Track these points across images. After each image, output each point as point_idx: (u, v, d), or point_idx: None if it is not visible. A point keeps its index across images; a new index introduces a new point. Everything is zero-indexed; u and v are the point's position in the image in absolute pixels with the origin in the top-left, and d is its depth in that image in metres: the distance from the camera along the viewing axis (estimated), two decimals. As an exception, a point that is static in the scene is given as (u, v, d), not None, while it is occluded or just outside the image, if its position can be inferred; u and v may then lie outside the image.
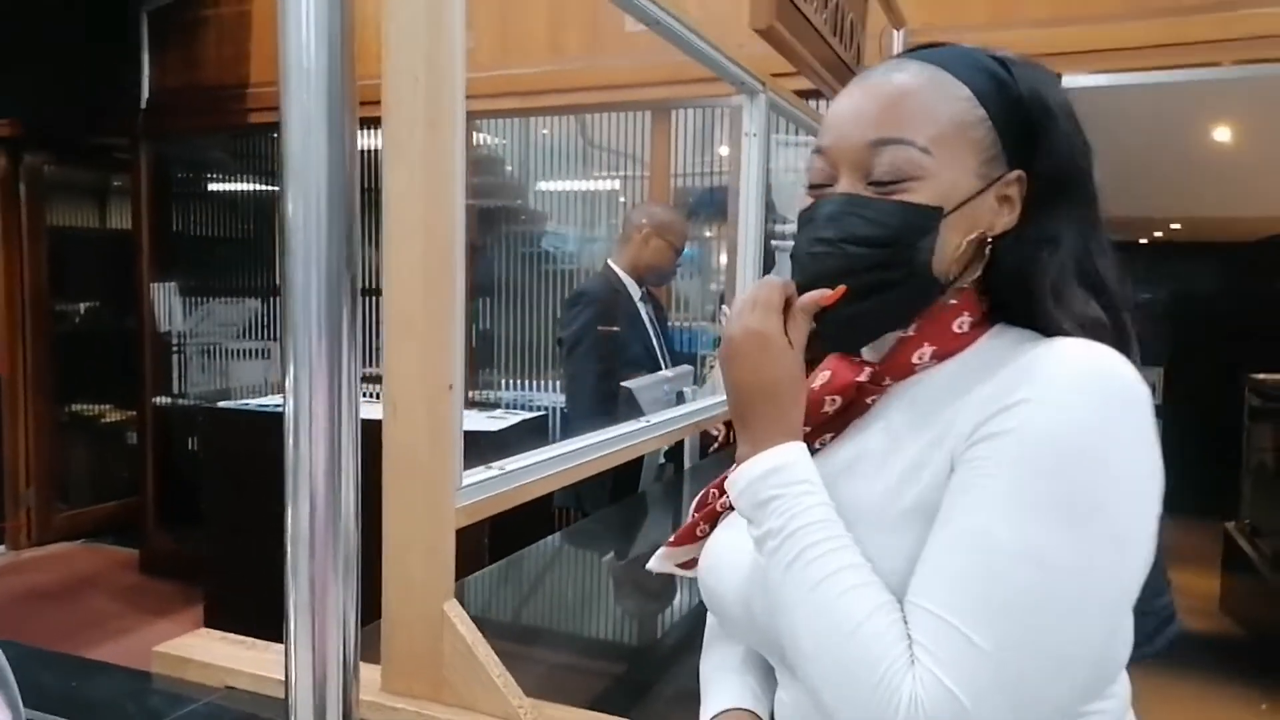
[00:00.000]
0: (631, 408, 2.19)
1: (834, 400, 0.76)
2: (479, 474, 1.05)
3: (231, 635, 1.11)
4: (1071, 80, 3.18)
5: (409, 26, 0.92)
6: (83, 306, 5.30)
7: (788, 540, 0.68)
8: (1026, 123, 0.74)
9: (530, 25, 3.69)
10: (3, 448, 4.77)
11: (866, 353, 0.78)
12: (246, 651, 1.09)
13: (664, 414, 1.59)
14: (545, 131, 4.50)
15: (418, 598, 0.97)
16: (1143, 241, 8.15)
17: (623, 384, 2.23)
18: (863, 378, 0.76)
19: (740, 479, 0.72)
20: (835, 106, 0.77)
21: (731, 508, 0.78)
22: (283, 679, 1.01)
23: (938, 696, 0.60)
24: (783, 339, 0.74)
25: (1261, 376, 5.25)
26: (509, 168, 4.67)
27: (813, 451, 0.76)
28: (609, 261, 2.92)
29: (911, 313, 0.74)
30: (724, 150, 3.83)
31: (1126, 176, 4.80)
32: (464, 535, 1.16)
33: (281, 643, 1.09)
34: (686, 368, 2.61)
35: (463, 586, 1.59)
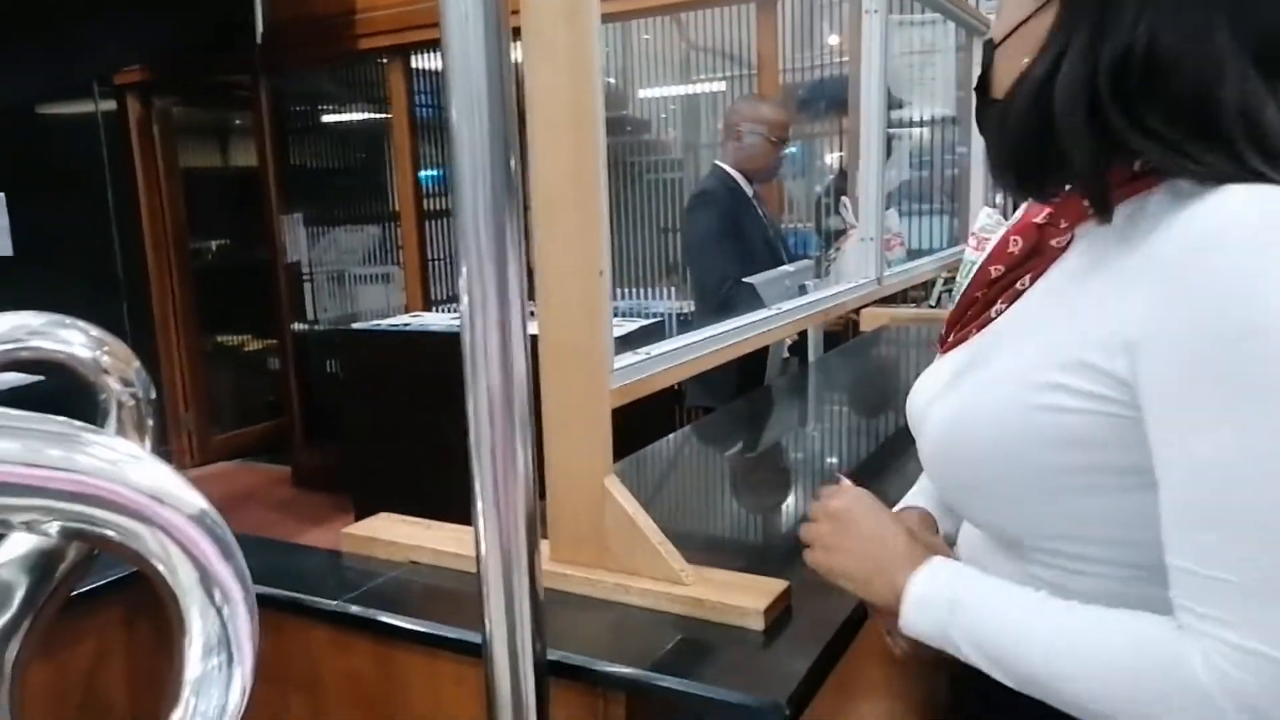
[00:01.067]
0: (757, 304, 2.21)
1: (1016, 240, 0.76)
2: (628, 358, 1.10)
3: (410, 518, 1.21)
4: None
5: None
6: (215, 244, 5.61)
7: (987, 646, 0.67)
8: None
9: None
10: (161, 378, 5.16)
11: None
12: (425, 531, 1.19)
13: (788, 304, 1.61)
14: (647, 37, 4.44)
15: (580, 474, 1.03)
16: None
17: (744, 280, 2.24)
18: (1039, 219, 0.74)
19: (909, 626, 0.72)
20: None
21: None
22: (460, 553, 1.11)
23: (1237, 659, 0.54)
24: (849, 510, 0.79)
25: None
26: (610, 80, 4.64)
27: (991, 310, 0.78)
28: (716, 161, 2.90)
29: (1035, 155, 0.67)
30: (833, 39, 3.71)
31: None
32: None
33: (451, 524, 1.19)
34: (806, 262, 2.60)
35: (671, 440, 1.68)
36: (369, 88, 4.73)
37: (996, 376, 0.70)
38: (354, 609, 1.04)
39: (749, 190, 2.82)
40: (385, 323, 4.02)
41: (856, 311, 2.63)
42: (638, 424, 1.19)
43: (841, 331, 3.18)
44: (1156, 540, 0.60)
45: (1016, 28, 0.67)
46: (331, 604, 1.05)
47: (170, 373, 5.18)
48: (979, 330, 0.79)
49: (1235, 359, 0.55)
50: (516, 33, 0.83)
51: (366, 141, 4.96)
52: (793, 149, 3.74)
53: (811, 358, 2.43)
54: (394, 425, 3.56)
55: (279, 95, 4.77)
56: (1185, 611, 0.58)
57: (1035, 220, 0.75)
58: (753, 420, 1.94)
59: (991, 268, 0.79)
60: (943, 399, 0.76)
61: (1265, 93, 0.60)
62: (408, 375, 3.48)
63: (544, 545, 1.08)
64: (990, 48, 0.70)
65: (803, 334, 2.42)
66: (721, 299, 2.46)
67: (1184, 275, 0.57)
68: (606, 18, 3.53)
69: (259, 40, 4.46)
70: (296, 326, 4.96)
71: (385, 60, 4.38)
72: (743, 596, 0.96)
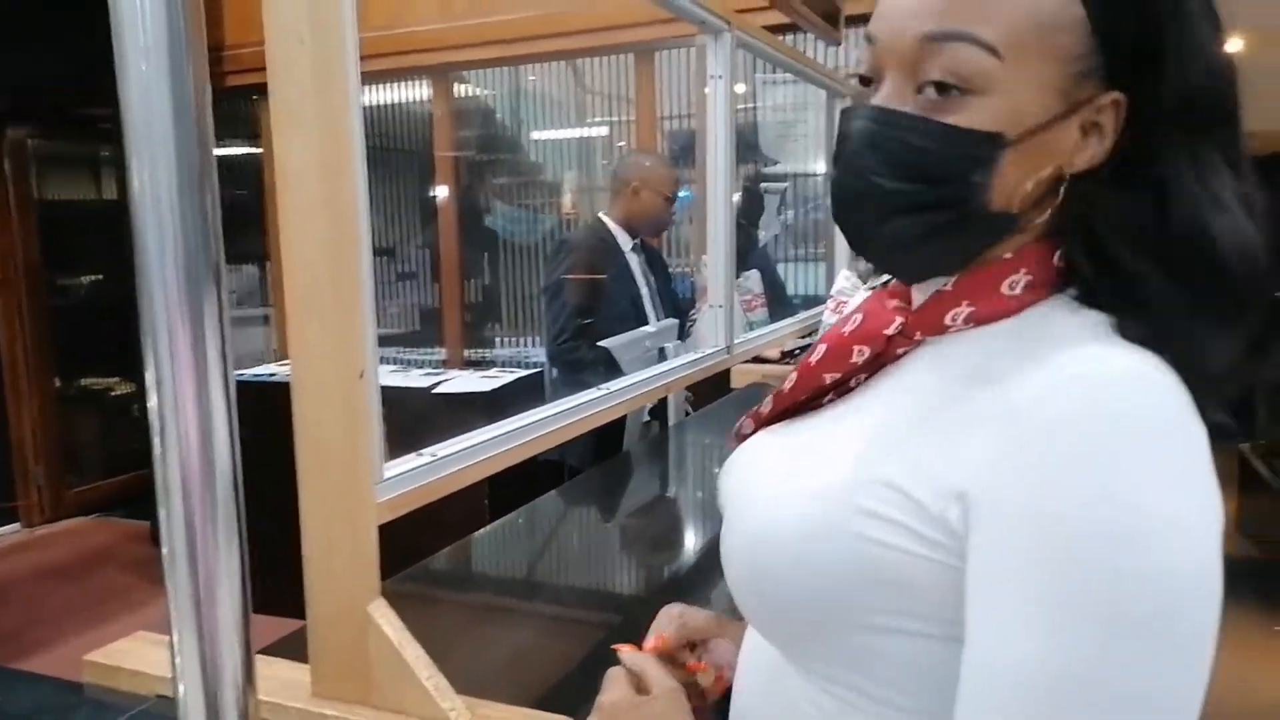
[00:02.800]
0: (608, 363, 2.13)
1: (862, 350, 0.66)
2: (406, 463, 0.99)
3: (166, 638, 1.07)
4: None
5: (288, -19, 0.84)
6: (83, 279, 5.27)
7: None
8: (1144, 28, 0.56)
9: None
10: (8, 426, 4.78)
11: (915, 292, 0.65)
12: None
13: (617, 383, 1.52)
14: (534, 78, 4.38)
15: (341, 598, 0.91)
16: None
17: (599, 343, 2.16)
18: (891, 330, 0.64)
19: None
20: None
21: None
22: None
23: None
24: (615, 707, 0.69)
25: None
26: (500, 117, 4.56)
27: (822, 398, 0.68)
28: (600, 215, 2.87)
29: (967, 259, 0.60)
30: (740, 87, 3.71)
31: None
32: (462, 497, 1.11)
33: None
34: (671, 322, 2.54)
35: (469, 543, 1.56)
36: (242, 123, 4.54)
37: (813, 489, 0.61)
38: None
39: (626, 243, 2.77)
40: (250, 372, 3.81)
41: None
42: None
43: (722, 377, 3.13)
44: (952, 689, 0.53)
45: (1039, 130, 0.57)
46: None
47: (19, 420, 4.81)
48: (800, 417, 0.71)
49: (1089, 565, 0.48)
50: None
51: (240, 179, 4.75)
52: (685, 193, 3.73)
53: (672, 421, 2.36)
54: (255, 481, 3.34)
55: (143, 129, 4.52)
56: None
57: (886, 332, 0.65)
58: (593, 499, 1.85)
59: (827, 375, 0.68)
60: (751, 493, 0.67)
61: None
62: (270, 429, 3.28)
63: (305, 676, 0.96)
64: (1000, 145, 0.57)
65: (664, 398, 2.35)
66: (560, 355, 2.39)
67: (1053, 447, 0.50)
68: (489, 63, 3.45)
69: (119, 72, 4.22)
70: (160, 372, 4.67)
71: (256, 98, 4.20)
72: (518, 740, 0.86)
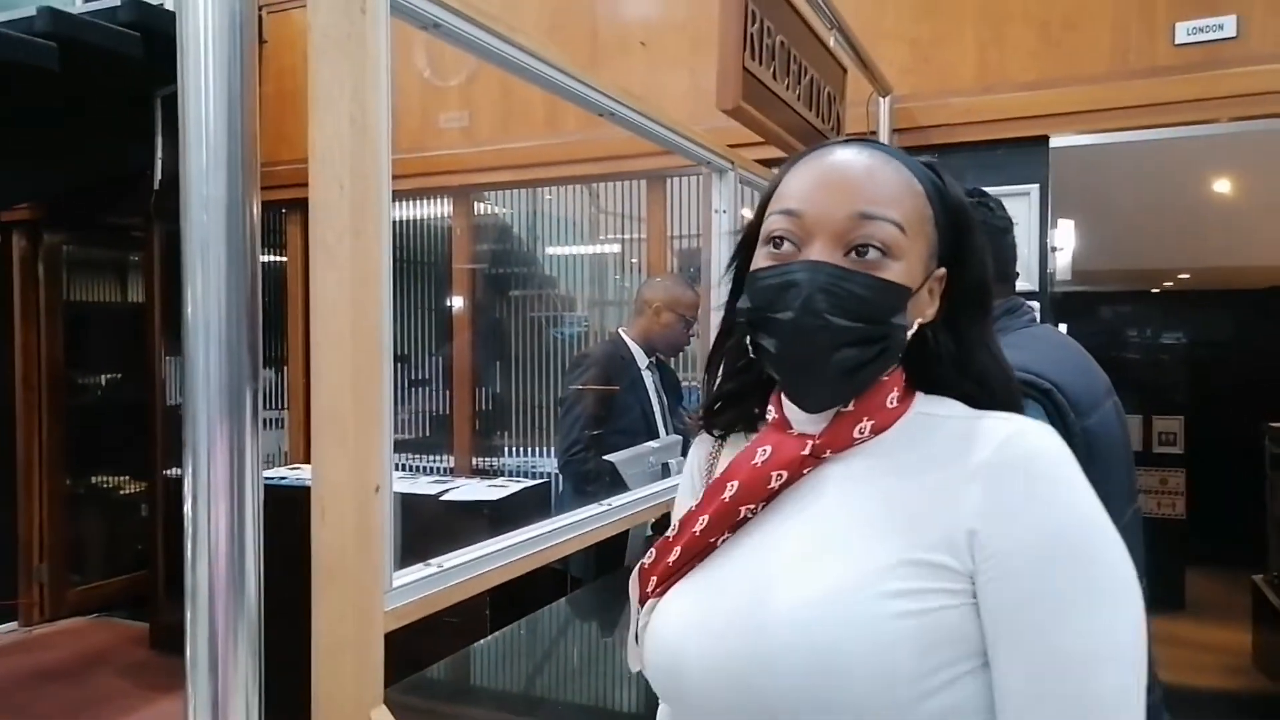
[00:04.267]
0: (614, 477, 2.18)
1: (780, 475, 0.78)
2: (414, 573, 1.05)
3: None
4: (1060, 140, 3.20)
5: (333, 135, 0.95)
6: (101, 379, 5.39)
7: None
8: (954, 228, 0.81)
9: (529, 100, 3.77)
10: (17, 524, 4.82)
11: (799, 425, 0.81)
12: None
13: (623, 497, 1.58)
14: (550, 197, 4.58)
15: (346, 704, 0.95)
16: (1155, 291, 8.09)
17: (604, 457, 2.22)
18: (806, 451, 0.78)
19: None
20: (808, 173, 0.80)
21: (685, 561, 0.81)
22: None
23: None
24: None
25: (1280, 425, 5.15)
26: (517, 233, 4.74)
27: (740, 523, 0.79)
28: (620, 330, 3.00)
29: (872, 383, 0.78)
30: (746, 213, 3.88)
31: (1132, 229, 4.81)
32: (464, 603, 1.15)
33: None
34: (675, 438, 2.60)
35: (470, 653, 1.59)
36: (267, 234, 4.73)
37: (837, 591, 0.71)
38: None
39: (643, 360, 2.87)
40: (264, 474, 3.87)
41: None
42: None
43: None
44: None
45: (919, 288, 0.79)
46: None
47: (29, 518, 4.84)
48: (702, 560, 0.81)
49: (1084, 558, 0.68)
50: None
51: (265, 285, 4.90)
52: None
53: (675, 536, 2.39)
54: (268, 588, 3.34)
55: (174, 237, 4.71)
56: None
57: (802, 453, 0.78)
58: (593, 613, 1.88)
59: (743, 507, 0.79)
60: (760, 622, 0.73)
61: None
62: (281, 534, 3.31)
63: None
64: (907, 296, 0.77)
65: (667, 514, 2.39)
66: (570, 466, 2.45)
67: (1023, 484, 0.70)
68: (507, 185, 3.63)
69: (156, 187, 4.44)
70: (171, 472, 4.73)
71: (285, 210, 4.40)
72: None
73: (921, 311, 0.80)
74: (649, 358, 2.89)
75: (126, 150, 4.36)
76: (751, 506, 0.79)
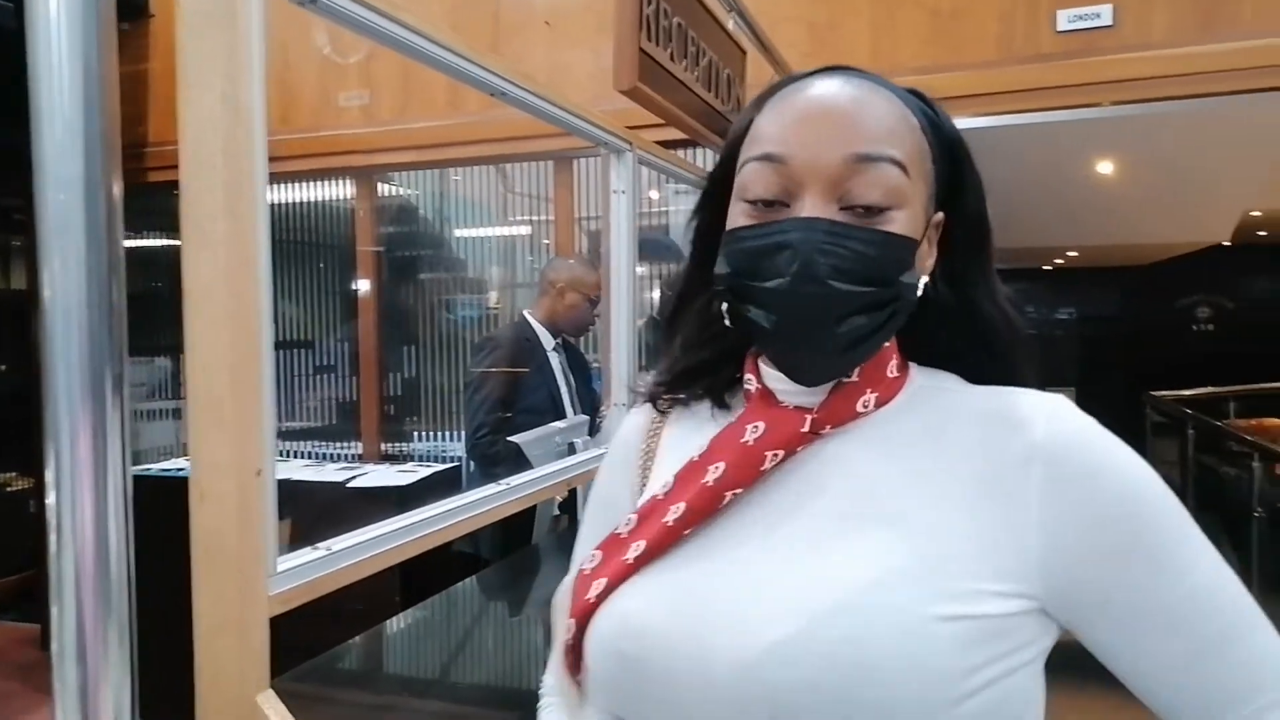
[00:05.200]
0: (523, 459, 2.19)
1: (776, 455, 0.67)
2: (301, 556, 1.04)
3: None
4: (956, 122, 3.32)
5: (205, 114, 0.92)
6: (-13, 369, 5.12)
7: None
8: (951, 164, 0.70)
9: (430, 80, 3.71)
10: (-108, 523, 4.55)
11: (790, 397, 0.69)
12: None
13: (522, 476, 1.59)
14: (458, 179, 4.52)
15: (229, 690, 0.94)
16: (1046, 268, 8.47)
17: (509, 439, 2.23)
18: (805, 428, 0.67)
19: None
20: (787, 110, 0.67)
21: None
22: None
23: None
24: None
25: (1160, 393, 5.46)
26: (425, 215, 4.67)
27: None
28: (525, 313, 2.99)
29: (872, 355, 0.68)
30: (653, 194, 3.89)
31: (1022, 209, 5.01)
32: (372, 588, 1.13)
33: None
34: (582, 418, 2.62)
35: (369, 638, 1.57)
36: (161, 216, 4.54)
37: (867, 585, 0.60)
38: None
39: (549, 342, 2.87)
40: (157, 466, 3.74)
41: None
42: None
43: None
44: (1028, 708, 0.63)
45: (923, 238, 0.69)
46: None
47: (-95, 518, 4.58)
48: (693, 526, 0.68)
49: (1171, 510, 0.63)
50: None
51: (157, 270, 4.72)
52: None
53: (581, 515, 2.41)
54: (153, 583, 3.25)
55: (59, 220, 4.48)
56: None
57: (802, 430, 0.68)
58: (500, 592, 1.88)
59: (728, 492, 0.68)
60: (770, 614, 0.61)
61: None
62: (174, 528, 3.21)
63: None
64: (914, 249, 0.66)
65: (574, 490, 2.41)
66: (477, 450, 2.45)
67: (1078, 470, 0.63)
68: (409, 166, 3.56)
69: (36, 165, 4.22)
70: (61, 466, 4.53)
71: (177, 192, 4.23)
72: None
73: (923, 264, 0.68)
74: (555, 339, 2.89)
75: (9, 125, 4.13)
76: (737, 491, 0.67)
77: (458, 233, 4.62)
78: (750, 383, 0.72)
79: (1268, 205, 6.15)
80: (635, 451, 0.81)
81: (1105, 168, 4.47)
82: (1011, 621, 0.61)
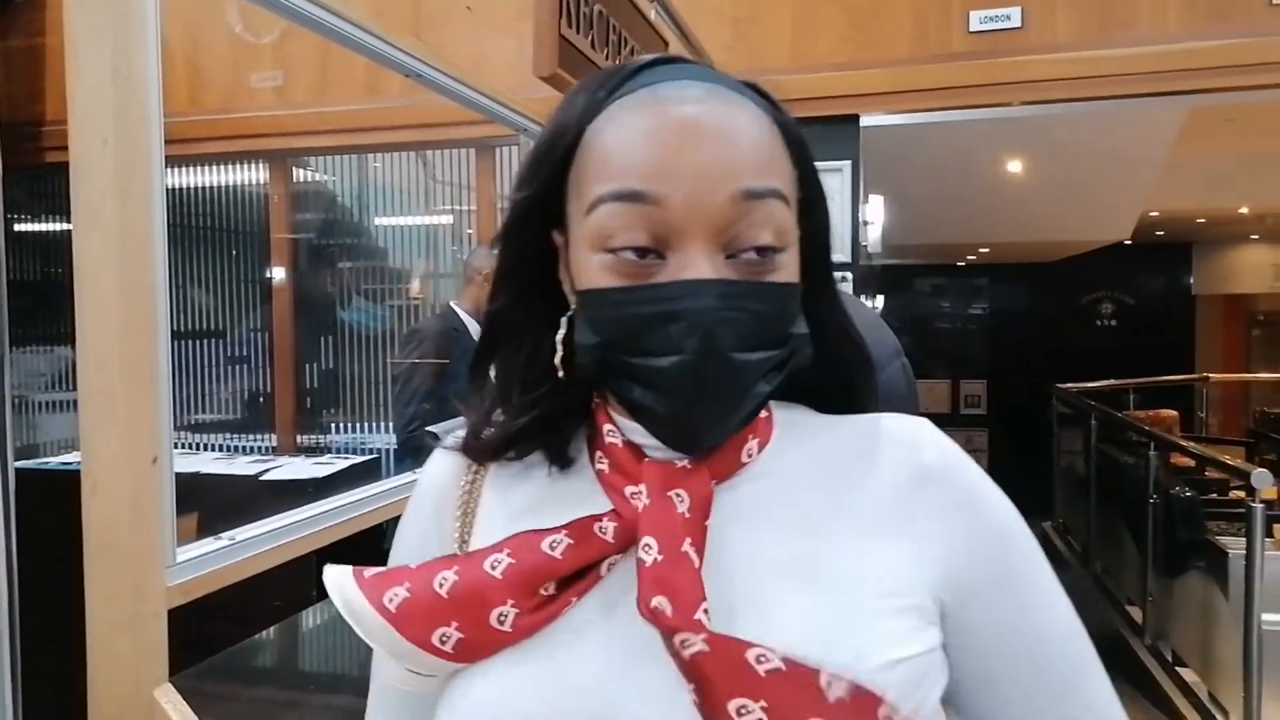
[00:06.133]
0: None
1: (681, 495, 0.58)
2: (203, 546, 1.01)
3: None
4: (870, 119, 3.39)
5: (94, 89, 0.89)
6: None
7: None
8: (802, 169, 0.60)
9: (349, 64, 3.63)
10: None
11: (657, 451, 0.59)
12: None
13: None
14: (378, 165, 4.43)
15: (126, 684, 0.92)
16: (960, 264, 8.74)
17: (427, 429, 2.20)
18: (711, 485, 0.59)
19: None
20: (648, 130, 0.55)
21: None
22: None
23: None
24: None
25: (1066, 386, 5.69)
26: (344, 202, 4.57)
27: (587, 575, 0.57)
28: (451, 303, 2.96)
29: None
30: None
31: (937, 206, 5.16)
32: (288, 579, 1.08)
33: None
34: (501, 408, 2.60)
35: (292, 627, 1.53)
36: (61, 200, 4.35)
37: (808, 641, 0.54)
38: None
39: (476, 332, 2.85)
40: (56, 460, 3.59)
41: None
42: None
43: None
44: None
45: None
46: None
47: None
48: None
49: (1035, 545, 0.62)
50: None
51: (57, 256, 4.52)
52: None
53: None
54: (51, 578, 3.12)
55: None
56: None
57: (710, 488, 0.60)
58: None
59: (609, 558, 0.58)
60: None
61: None
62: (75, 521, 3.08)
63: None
64: (798, 295, 0.59)
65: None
66: (411, 442, 2.41)
67: (968, 490, 0.61)
68: (325, 150, 3.46)
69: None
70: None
71: (79, 173, 4.06)
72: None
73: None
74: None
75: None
76: (612, 559, 0.57)
77: (378, 221, 4.54)
78: (610, 434, 0.61)
79: (1164, 206, 6.46)
80: (450, 519, 0.65)
81: (1015, 167, 4.63)
82: (936, 656, 0.57)
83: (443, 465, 0.68)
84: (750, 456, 0.61)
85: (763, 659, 0.50)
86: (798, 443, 0.63)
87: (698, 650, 0.50)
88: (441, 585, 0.56)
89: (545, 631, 0.56)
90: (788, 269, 0.56)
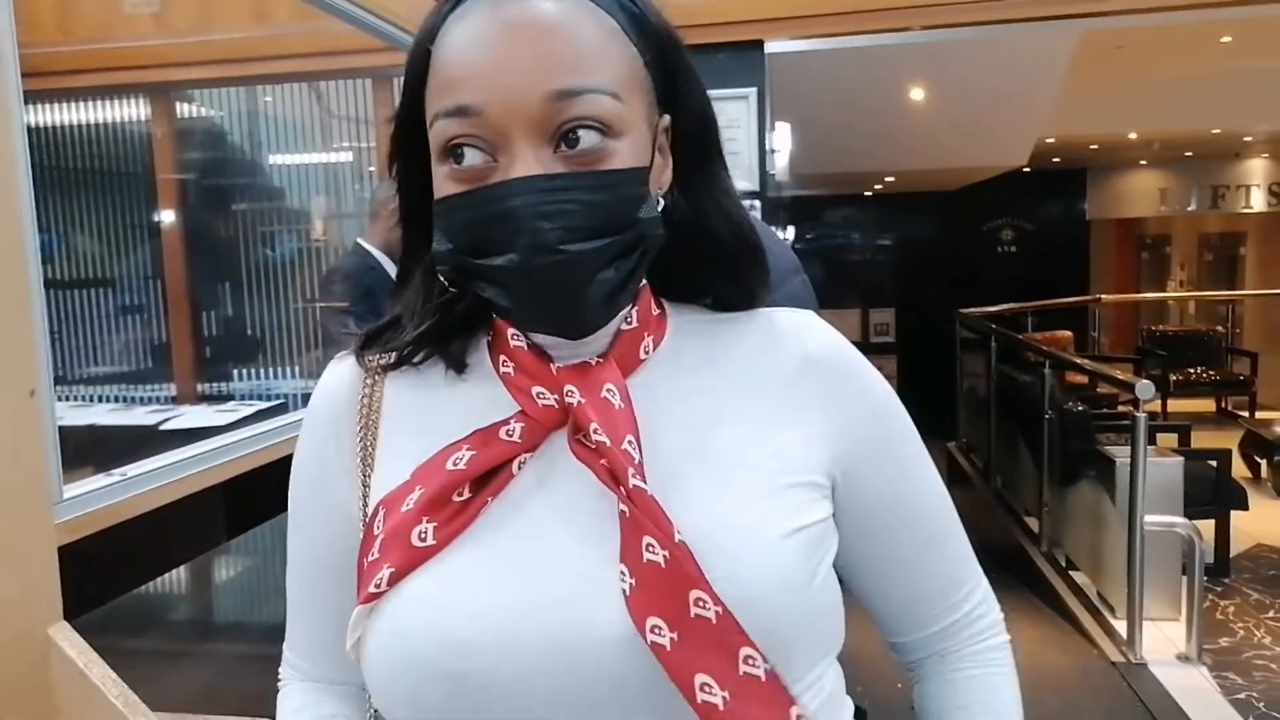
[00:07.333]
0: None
1: (612, 391, 0.61)
2: (94, 482, 0.98)
3: None
4: (775, 46, 3.38)
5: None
6: None
7: None
8: (663, 60, 0.62)
9: (232, -12, 3.43)
10: None
11: (563, 350, 0.62)
12: None
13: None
14: (269, 100, 4.23)
15: (18, 623, 0.88)
16: (866, 194, 8.90)
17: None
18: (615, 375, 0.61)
19: None
20: (470, 41, 0.57)
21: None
22: None
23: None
24: None
25: (967, 310, 5.89)
26: (235, 140, 4.36)
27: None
28: (359, 240, 2.86)
29: (637, 297, 0.63)
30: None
31: (843, 134, 5.21)
32: (192, 518, 1.03)
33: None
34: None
35: (208, 561, 1.49)
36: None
37: (716, 518, 0.58)
38: None
39: (393, 268, 2.78)
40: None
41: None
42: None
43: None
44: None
45: (652, 157, 0.62)
46: None
47: None
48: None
49: (909, 422, 0.69)
50: None
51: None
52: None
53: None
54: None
55: None
56: (987, 620, 0.72)
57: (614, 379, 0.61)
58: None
59: (518, 458, 0.61)
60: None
61: None
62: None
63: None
64: (644, 178, 0.60)
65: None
66: None
67: (849, 375, 0.67)
68: (211, 83, 3.26)
69: None
70: None
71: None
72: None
73: (659, 180, 0.62)
74: (394, 265, 2.82)
75: None
76: (522, 457, 0.60)
77: (273, 159, 4.35)
78: (514, 339, 0.63)
79: (1059, 131, 6.67)
80: (348, 426, 0.66)
81: (916, 95, 4.70)
82: (828, 524, 0.63)
83: (339, 375, 0.69)
84: (647, 354, 0.64)
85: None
86: (694, 340, 0.66)
87: (635, 486, 0.56)
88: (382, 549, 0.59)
89: (468, 532, 0.58)
90: (623, 155, 0.58)
